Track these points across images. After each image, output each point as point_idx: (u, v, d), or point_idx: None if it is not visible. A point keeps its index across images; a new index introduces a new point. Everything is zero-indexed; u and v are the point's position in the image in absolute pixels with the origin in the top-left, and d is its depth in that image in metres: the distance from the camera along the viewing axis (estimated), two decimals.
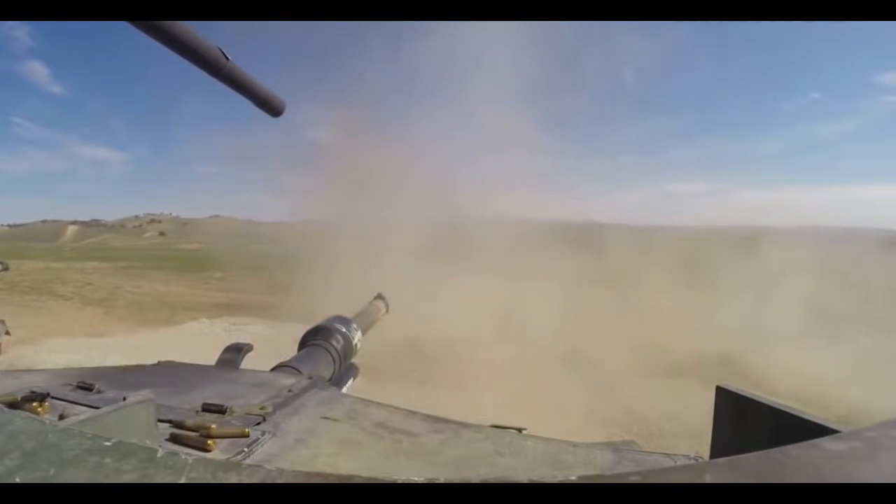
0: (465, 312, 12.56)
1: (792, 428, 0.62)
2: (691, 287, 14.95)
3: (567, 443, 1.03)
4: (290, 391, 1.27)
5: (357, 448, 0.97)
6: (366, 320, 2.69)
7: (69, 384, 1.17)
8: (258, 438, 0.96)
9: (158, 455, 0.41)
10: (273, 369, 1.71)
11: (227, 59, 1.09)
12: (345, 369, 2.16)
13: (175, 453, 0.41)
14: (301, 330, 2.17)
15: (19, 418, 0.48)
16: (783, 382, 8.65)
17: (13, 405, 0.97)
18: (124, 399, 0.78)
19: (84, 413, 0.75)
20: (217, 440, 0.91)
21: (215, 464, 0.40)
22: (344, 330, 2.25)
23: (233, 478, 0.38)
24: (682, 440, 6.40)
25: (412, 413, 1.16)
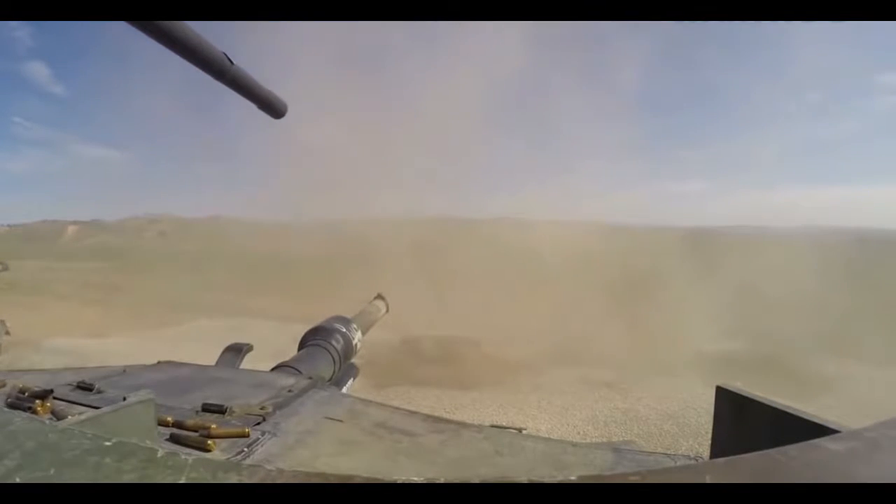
0: None
1: (792, 428, 0.62)
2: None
3: (567, 443, 1.03)
4: (290, 391, 1.27)
5: (357, 448, 0.97)
6: (366, 320, 2.69)
7: (69, 384, 1.17)
8: (258, 438, 0.96)
9: (158, 455, 0.41)
10: (273, 369, 1.71)
11: (232, 63, 1.11)
12: (345, 369, 2.16)
13: (175, 453, 0.41)
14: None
15: (19, 418, 0.48)
16: None
17: (13, 405, 0.97)
18: (124, 399, 0.78)
19: (84, 413, 0.75)
20: (217, 440, 0.91)
21: (215, 464, 0.40)
22: (344, 330, 2.25)
23: (233, 478, 0.38)
24: None
25: (412, 413, 1.16)
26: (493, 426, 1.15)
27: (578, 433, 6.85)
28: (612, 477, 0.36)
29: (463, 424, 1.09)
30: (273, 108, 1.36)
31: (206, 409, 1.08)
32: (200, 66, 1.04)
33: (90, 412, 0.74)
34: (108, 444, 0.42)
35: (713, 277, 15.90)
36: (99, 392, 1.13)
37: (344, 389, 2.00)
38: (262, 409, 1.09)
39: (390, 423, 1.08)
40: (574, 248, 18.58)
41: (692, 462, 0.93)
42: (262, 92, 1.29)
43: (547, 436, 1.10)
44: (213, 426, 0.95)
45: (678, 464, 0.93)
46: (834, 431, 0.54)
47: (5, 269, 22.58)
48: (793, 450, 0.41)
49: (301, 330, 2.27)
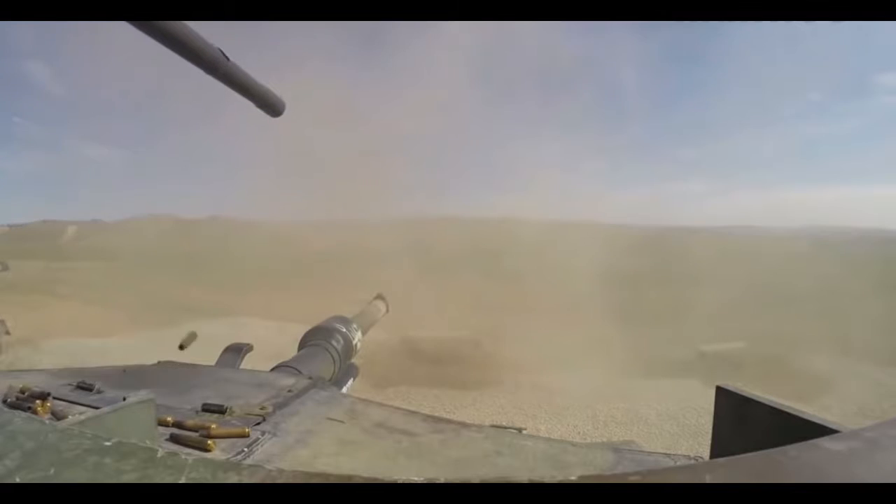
0: None
1: (792, 428, 0.62)
2: None
3: (567, 443, 1.03)
4: (290, 391, 1.27)
5: (357, 448, 0.97)
6: (366, 320, 2.70)
7: (69, 384, 1.17)
8: (258, 438, 0.96)
9: (158, 455, 0.41)
10: (273, 369, 1.71)
11: (227, 59, 1.09)
12: (345, 369, 2.16)
13: (175, 453, 0.41)
14: None
15: (19, 418, 0.48)
16: None
17: (13, 405, 0.97)
18: (124, 399, 0.78)
19: (84, 413, 0.75)
20: (217, 440, 0.91)
21: (215, 464, 0.40)
22: (344, 330, 2.25)
23: (233, 478, 0.38)
24: None
25: (412, 413, 1.16)
26: (493, 426, 1.15)
27: (578, 433, 6.85)
28: (612, 477, 0.36)
29: (463, 424, 1.09)
30: (271, 106, 1.35)
31: (206, 409, 1.08)
32: (193, 60, 1.02)
33: (90, 412, 0.74)
34: (108, 444, 0.42)
35: (713, 277, 15.89)
36: (99, 392, 1.14)
37: (344, 389, 2.00)
38: (262, 409, 1.09)
39: (390, 423, 1.08)
40: (574, 248, 18.59)
41: (692, 462, 0.93)
42: (259, 89, 1.26)
43: (547, 436, 1.10)
44: (213, 426, 0.95)
45: (678, 464, 0.93)
46: (834, 431, 0.54)
47: (5, 269, 22.53)
48: (793, 450, 0.41)
49: (301, 330, 2.27)
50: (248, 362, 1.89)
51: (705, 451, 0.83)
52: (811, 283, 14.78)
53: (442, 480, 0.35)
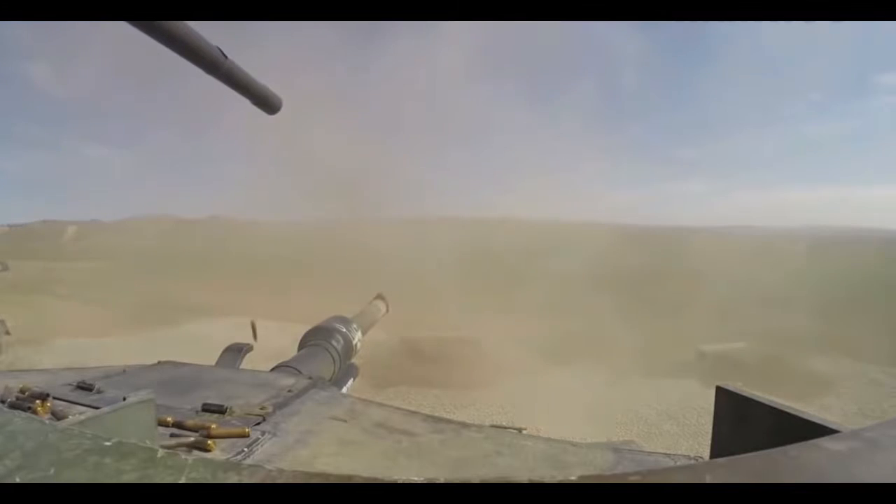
0: None
1: (792, 428, 0.62)
2: None
3: (567, 443, 1.03)
4: (290, 391, 1.27)
5: (357, 448, 0.97)
6: (366, 320, 2.70)
7: (69, 384, 1.17)
8: (258, 438, 0.96)
9: (158, 455, 0.41)
10: (273, 369, 1.71)
11: (226, 57, 1.09)
12: (345, 369, 2.16)
13: (175, 453, 0.41)
14: None
15: (19, 418, 0.48)
16: None
17: (13, 405, 0.97)
18: (124, 399, 0.78)
19: (84, 413, 0.75)
20: (217, 440, 0.91)
21: (215, 464, 0.40)
22: (344, 330, 2.25)
23: (233, 478, 0.38)
24: None
25: (412, 413, 1.16)
26: (493, 426, 1.15)
27: (578, 433, 6.85)
28: (612, 477, 0.36)
29: (463, 424, 1.09)
30: (268, 104, 1.34)
31: (206, 409, 1.08)
32: (193, 60, 1.02)
33: (90, 412, 0.74)
34: (108, 444, 0.42)
35: (713, 277, 15.88)
36: (99, 392, 1.14)
37: (344, 389, 2.00)
38: (262, 409, 1.10)
39: (390, 423, 1.08)
40: (574, 248, 18.59)
41: (692, 462, 0.93)
42: (256, 87, 1.26)
43: (547, 436, 1.10)
44: (213, 426, 0.95)
45: (678, 464, 0.93)
46: (834, 431, 0.54)
47: (5, 269, 22.55)
48: (793, 450, 0.41)
49: (301, 330, 2.27)
50: (248, 362, 1.89)
51: (705, 451, 0.83)
52: (811, 283, 14.76)
53: (442, 480, 0.35)
